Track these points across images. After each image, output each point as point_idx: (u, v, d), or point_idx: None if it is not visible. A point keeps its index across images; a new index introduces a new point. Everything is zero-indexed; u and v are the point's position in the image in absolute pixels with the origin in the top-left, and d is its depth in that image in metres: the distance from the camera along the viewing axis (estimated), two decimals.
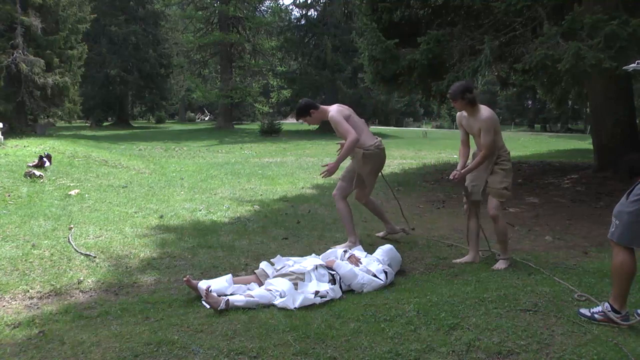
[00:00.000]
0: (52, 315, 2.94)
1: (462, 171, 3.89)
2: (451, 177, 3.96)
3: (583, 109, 30.36)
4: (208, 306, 2.99)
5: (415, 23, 8.50)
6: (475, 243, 4.09)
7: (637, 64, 2.56)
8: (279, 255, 3.67)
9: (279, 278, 3.26)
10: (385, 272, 3.51)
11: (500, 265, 3.88)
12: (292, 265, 3.42)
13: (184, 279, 3.22)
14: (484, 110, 3.73)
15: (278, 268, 3.44)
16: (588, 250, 4.44)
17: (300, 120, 4.42)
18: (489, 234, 4.18)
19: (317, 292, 3.10)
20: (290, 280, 3.20)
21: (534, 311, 2.86)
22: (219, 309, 2.91)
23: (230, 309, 2.93)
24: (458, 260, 4.13)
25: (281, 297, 3.05)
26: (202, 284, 3.18)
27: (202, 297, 3.13)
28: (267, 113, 31.11)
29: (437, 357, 2.36)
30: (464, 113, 3.85)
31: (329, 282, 3.28)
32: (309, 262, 3.45)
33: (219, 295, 3.06)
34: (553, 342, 2.49)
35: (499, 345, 2.44)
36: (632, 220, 2.58)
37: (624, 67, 2.75)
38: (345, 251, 3.80)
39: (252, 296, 3.07)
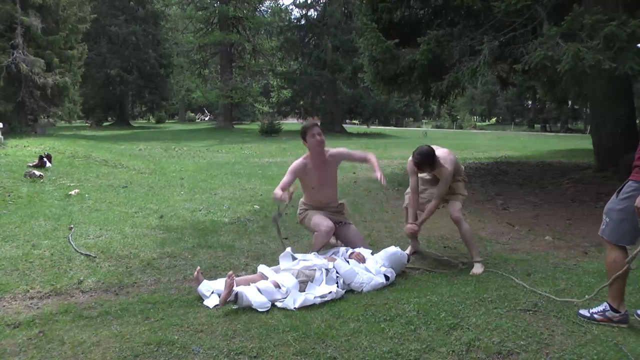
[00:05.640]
0: (52, 315, 2.94)
1: (418, 222, 4.00)
2: (409, 231, 4.03)
3: (583, 109, 30.41)
4: (210, 306, 3.01)
5: (415, 23, 8.51)
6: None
7: None
8: (287, 249, 3.65)
9: (287, 273, 3.26)
10: (386, 273, 3.51)
11: (477, 269, 3.76)
12: (298, 263, 3.42)
13: (197, 269, 3.25)
14: (447, 163, 3.75)
15: (286, 266, 3.43)
16: (588, 250, 4.44)
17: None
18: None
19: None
20: (298, 279, 3.20)
21: (534, 311, 2.86)
22: (228, 300, 2.92)
23: (238, 302, 2.94)
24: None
25: (283, 296, 3.05)
26: (203, 286, 3.19)
27: (202, 297, 3.15)
28: (267, 113, 31.11)
29: (437, 357, 2.37)
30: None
31: (335, 284, 3.28)
32: (316, 261, 3.43)
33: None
34: (553, 342, 2.50)
35: (499, 345, 2.45)
36: (622, 218, 2.60)
37: (637, 45, 2.71)
38: (347, 249, 3.82)
39: (258, 288, 3.07)
